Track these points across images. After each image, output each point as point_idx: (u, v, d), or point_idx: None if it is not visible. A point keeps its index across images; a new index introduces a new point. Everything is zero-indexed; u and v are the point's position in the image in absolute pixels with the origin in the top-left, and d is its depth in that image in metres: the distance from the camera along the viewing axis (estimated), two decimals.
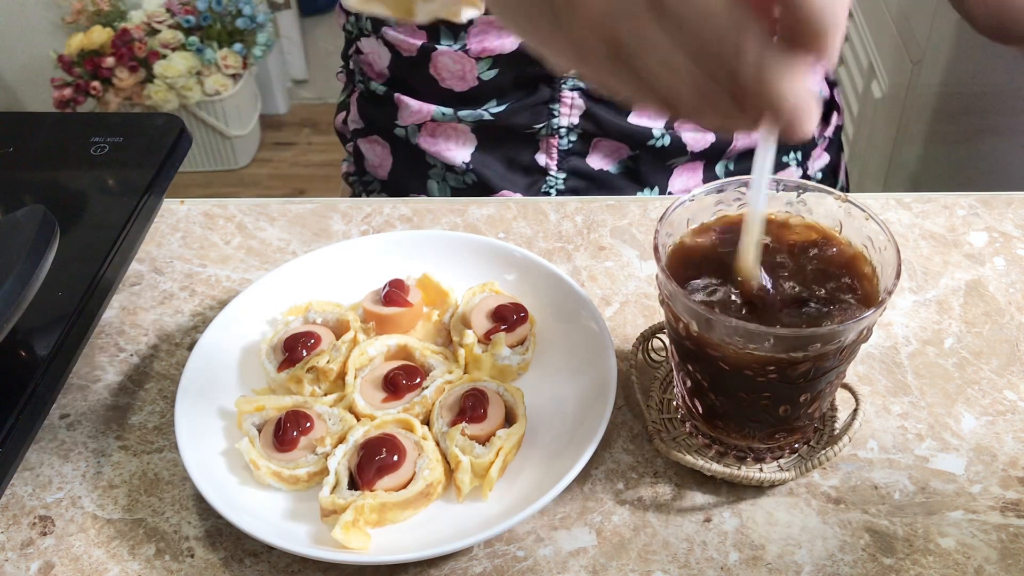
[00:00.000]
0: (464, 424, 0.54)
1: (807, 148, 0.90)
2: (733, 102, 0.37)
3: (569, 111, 0.81)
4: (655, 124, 0.81)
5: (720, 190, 0.53)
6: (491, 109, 0.81)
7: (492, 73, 0.80)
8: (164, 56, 2.35)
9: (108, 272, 0.61)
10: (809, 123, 0.37)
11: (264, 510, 0.53)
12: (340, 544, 0.49)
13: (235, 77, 2.46)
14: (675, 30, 0.36)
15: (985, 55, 0.80)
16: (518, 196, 0.83)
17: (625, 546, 0.52)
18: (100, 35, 2.34)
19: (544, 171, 0.84)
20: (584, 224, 0.72)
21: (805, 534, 0.52)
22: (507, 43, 0.78)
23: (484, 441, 0.54)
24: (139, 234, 0.65)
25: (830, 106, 0.92)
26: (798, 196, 0.53)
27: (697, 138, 0.82)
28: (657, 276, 0.52)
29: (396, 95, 0.85)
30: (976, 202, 0.73)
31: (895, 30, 1.49)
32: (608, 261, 0.69)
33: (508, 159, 0.84)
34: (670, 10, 0.36)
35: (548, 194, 0.84)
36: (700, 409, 0.54)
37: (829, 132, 0.92)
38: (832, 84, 0.93)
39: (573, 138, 0.82)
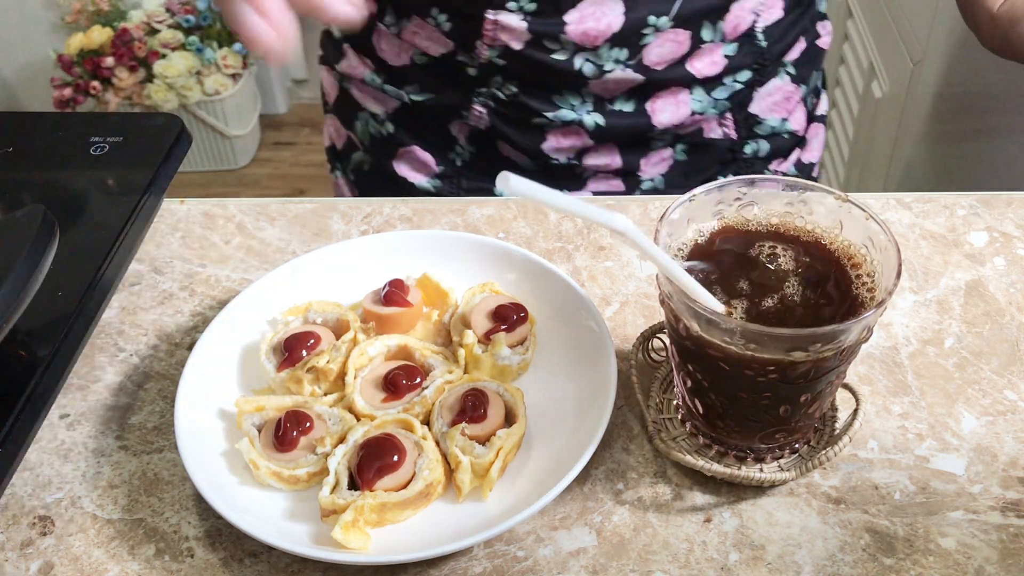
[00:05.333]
0: (464, 424, 0.54)
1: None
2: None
3: (477, 121, 0.83)
4: (560, 156, 0.82)
5: (720, 188, 0.53)
6: (412, 95, 0.84)
7: (424, 59, 0.82)
8: (164, 56, 2.35)
9: (108, 272, 0.61)
10: (270, 50, 0.53)
11: (264, 510, 0.53)
12: (340, 544, 0.49)
13: (235, 77, 2.46)
14: None
15: (985, 55, 0.80)
16: (518, 196, 0.83)
17: (625, 546, 0.52)
18: (100, 35, 2.35)
19: (455, 141, 0.86)
20: (584, 224, 0.72)
21: (805, 534, 0.52)
22: (433, 46, 0.79)
23: (484, 441, 0.54)
24: (139, 234, 0.65)
25: (797, 141, 0.88)
26: (799, 196, 0.53)
27: (605, 162, 0.83)
28: (657, 276, 0.52)
29: (344, 45, 0.88)
30: (976, 202, 0.73)
31: (895, 30, 1.48)
32: (608, 261, 0.69)
33: (424, 125, 0.87)
34: None
35: (458, 156, 0.86)
36: (700, 409, 0.54)
37: (786, 167, 0.88)
38: (813, 119, 0.89)
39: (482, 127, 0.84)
